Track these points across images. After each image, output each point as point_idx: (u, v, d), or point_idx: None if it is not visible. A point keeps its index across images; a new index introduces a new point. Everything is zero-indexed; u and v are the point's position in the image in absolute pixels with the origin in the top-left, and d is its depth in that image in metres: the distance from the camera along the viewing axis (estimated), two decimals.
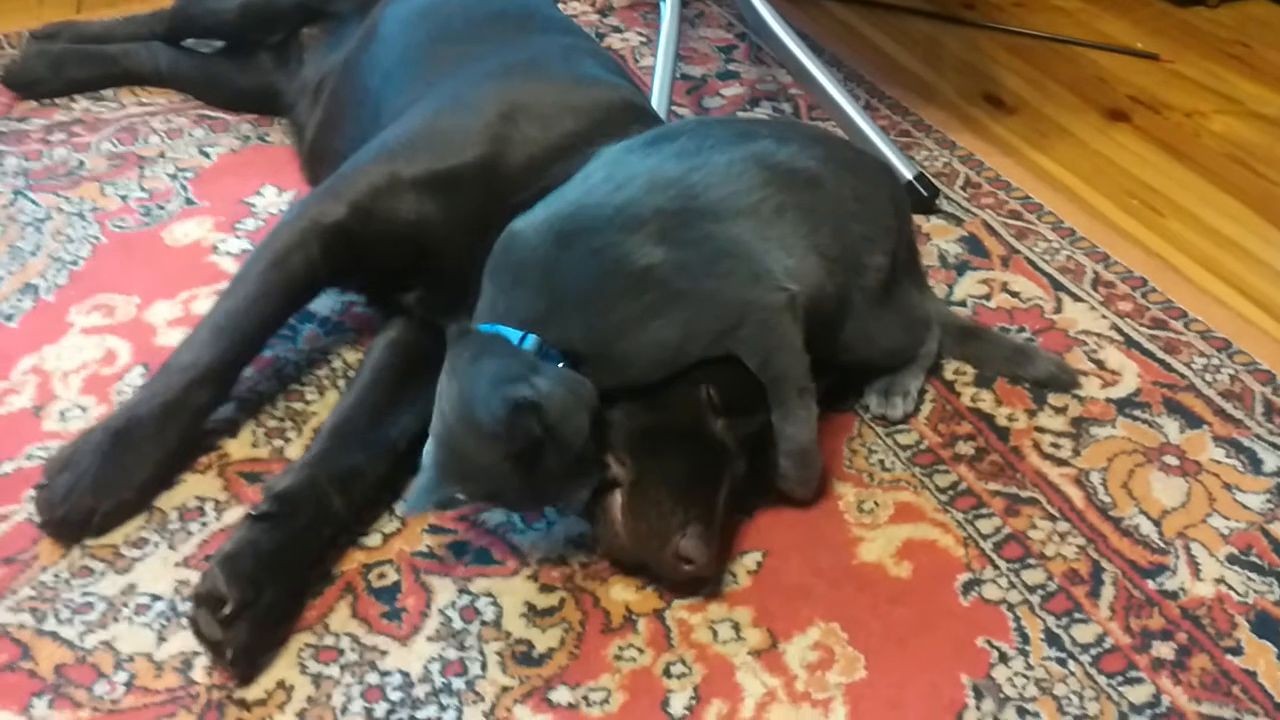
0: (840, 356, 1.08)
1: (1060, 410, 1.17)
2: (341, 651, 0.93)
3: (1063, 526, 1.04)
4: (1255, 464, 1.11)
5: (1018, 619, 0.96)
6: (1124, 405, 1.18)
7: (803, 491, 1.04)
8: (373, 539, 1.03)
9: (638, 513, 0.94)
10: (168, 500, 1.06)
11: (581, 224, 0.97)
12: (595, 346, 0.95)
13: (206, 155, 1.60)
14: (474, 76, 1.19)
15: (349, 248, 1.12)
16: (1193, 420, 1.16)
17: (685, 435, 0.97)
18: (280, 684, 0.90)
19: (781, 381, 0.98)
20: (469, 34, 1.28)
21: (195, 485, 1.08)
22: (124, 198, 1.50)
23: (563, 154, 1.09)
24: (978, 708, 0.89)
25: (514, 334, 0.94)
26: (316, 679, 0.91)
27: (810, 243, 1.01)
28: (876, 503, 1.06)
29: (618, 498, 0.95)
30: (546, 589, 0.98)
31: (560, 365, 0.94)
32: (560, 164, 1.08)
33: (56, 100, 1.72)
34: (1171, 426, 1.15)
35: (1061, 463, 1.11)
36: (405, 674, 0.91)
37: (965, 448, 1.13)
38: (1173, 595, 0.98)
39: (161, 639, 0.94)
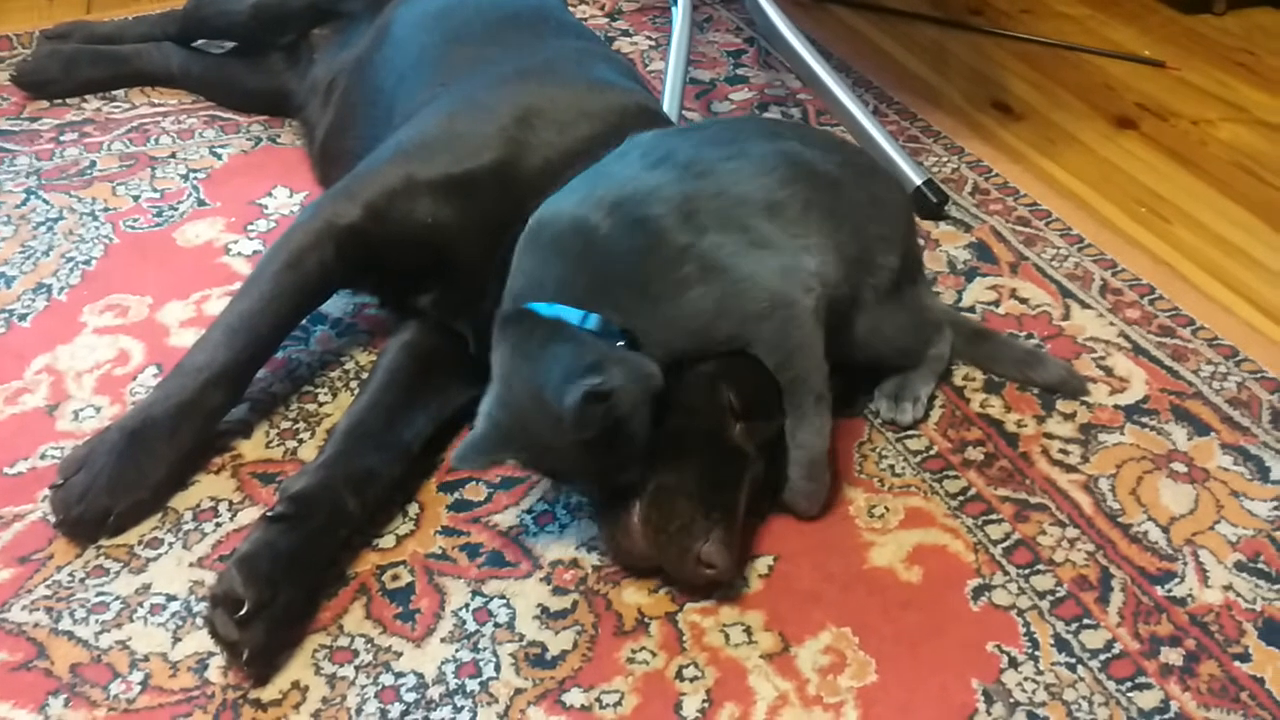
0: (853, 354, 1.09)
1: (1069, 417, 1.18)
2: (356, 653, 0.93)
3: (1072, 532, 1.05)
4: (1263, 471, 1.11)
5: (1027, 624, 0.96)
6: (1132, 412, 1.18)
7: (808, 506, 1.04)
8: (386, 540, 1.03)
9: (659, 520, 0.94)
10: (182, 501, 1.06)
11: (622, 196, 0.97)
12: (638, 317, 0.95)
13: (218, 156, 1.61)
14: (489, 79, 1.20)
15: (364, 249, 1.12)
16: (1200, 428, 1.16)
17: (704, 439, 0.97)
18: (295, 684, 0.91)
19: (799, 384, 0.98)
20: (483, 37, 1.29)
21: (209, 486, 1.08)
22: (136, 198, 1.51)
23: (578, 158, 1.10)
24: (988, 712, 0.89)
25: (574, 314, 0.94)
26: (331, 680, 0.91)
27: (832, 243, 1.02)
28: (887, 508, 1.07)
29: (636, 504, 0.96)
30: (559, 591, 0.99)
31: (621, 345, 0.94)
32: (575, 168, 1.08)
33: (68, 100, 1.73)
34: (1179, 434, 1.16)
35: (1070, 469, 1.11)
36: (420, 675, 0.92)
37: (975, 453, 1.13)
38: (1181, 602, 0.98)
39: (176, 639, 0.94)
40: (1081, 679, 0.92)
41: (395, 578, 1.00)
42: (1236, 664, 0.93)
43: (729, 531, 0.94)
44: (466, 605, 0.97)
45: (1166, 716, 0.89)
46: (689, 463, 0.96)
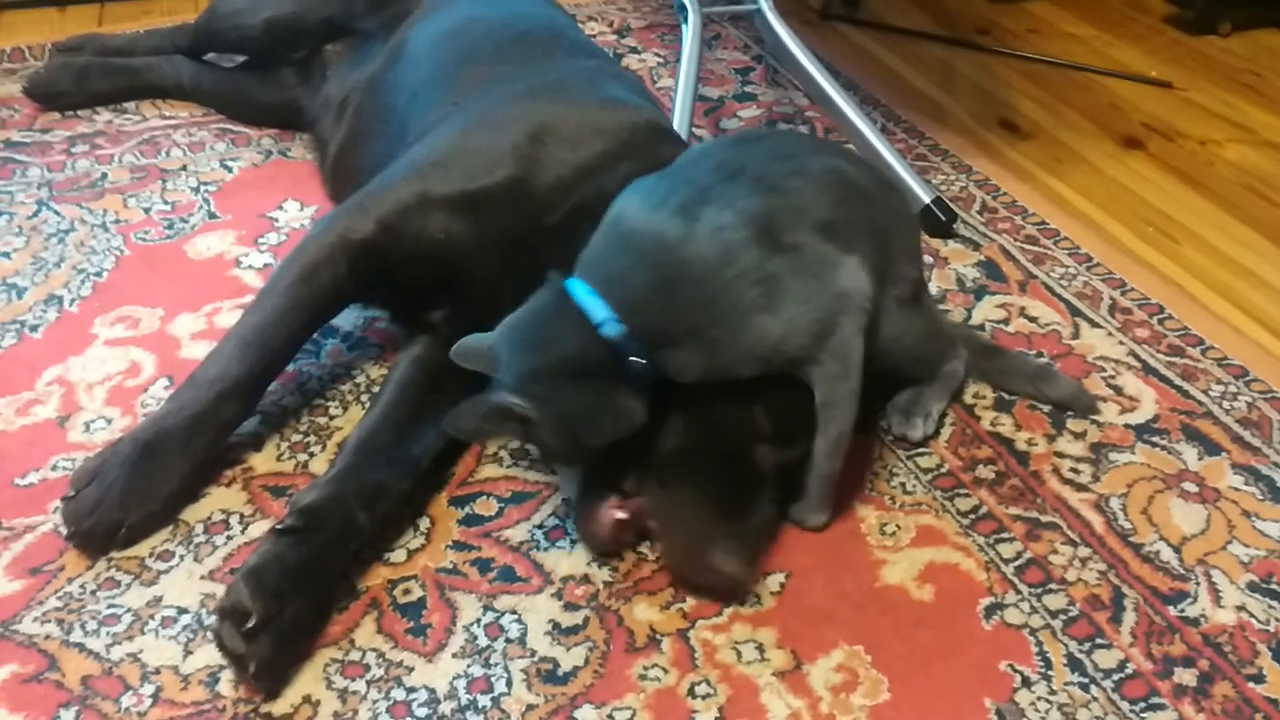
0: (873, 363, 1.08)
1: (1079, 435, 1.18)
2: (367, 667, 0.93)
3: (1084, 552, 1.05)
4: (1274, 492, 1.11)
5: (1040, 644, 0.96)
6: (1142, 431, 1.18)
7: (816, 520, 1.05)
8: (397, 555, 1.03)
9: (670, 528, 0.95)
10: (193, 513, 1.06)
11: (703, 204, 0.97)
12: (694, 329, 0.94)
13: (228, 169, 1.61)
14: (502, 97, 1.20)
15: (377, 264, 1.12)
16: (1211, 447, 1.16)
17: (722, 454, 0.98)
18: (306, 699, 0.91)
19: (839, 407, 0.98)
20: (496, 56, 1.30)
21: (220, 499, 1.08)
22: (147, 210, 1.51)
23: (590, 175, 1.10)
24: None
25: (601, 313, 0.94)
26: (343, 694, 0.91)
27: (871, 263, 1.02)
28: (898, 526, 1.07)
29: (611, 497, 0.98)
30: (571, 607, 0.99)
31: (635, 360, 0.93)
32: (587, 185, 1.09)
33: (79, 112, 1.74)
34: (1190, 453, 1.16)
35: (1081, 488, 1.11)
36: (431, 690, 0.91)
37: (986, 471, 1.13)
38: (1194, 622, 0.98)
39: (188, 652, 0.94)
40: (1095, 699, 0.92)
41: (406, 592, 1.00)
42: (1251, 685, 0.93)
43: (739, 538, 0.95)
44: (478, 620, 0.97)
45: None
46: (703, 474, 0.96)
